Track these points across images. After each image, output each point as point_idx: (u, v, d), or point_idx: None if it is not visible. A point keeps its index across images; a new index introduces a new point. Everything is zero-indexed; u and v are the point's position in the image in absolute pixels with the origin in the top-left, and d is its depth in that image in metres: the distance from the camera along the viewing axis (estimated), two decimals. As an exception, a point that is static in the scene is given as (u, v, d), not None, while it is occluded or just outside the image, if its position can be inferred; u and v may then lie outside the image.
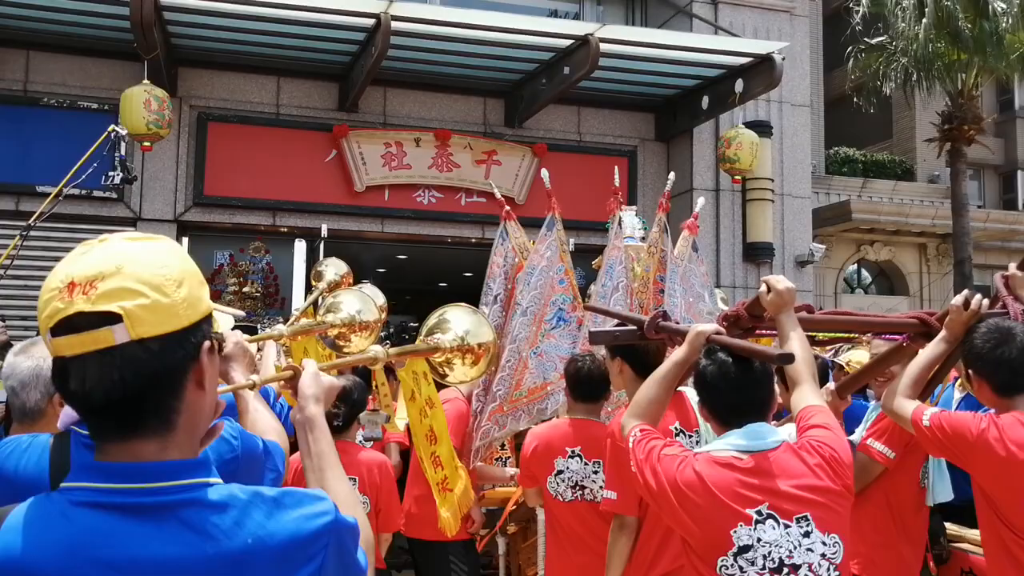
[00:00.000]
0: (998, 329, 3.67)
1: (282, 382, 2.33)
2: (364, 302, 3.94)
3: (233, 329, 3.17)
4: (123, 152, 7.50)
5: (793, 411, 3.35)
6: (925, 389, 4.02)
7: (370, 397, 4.44)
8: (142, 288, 1.53)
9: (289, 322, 4.09)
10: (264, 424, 2.80)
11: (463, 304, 2.80)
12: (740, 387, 3.21)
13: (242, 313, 2.76)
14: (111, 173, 7.62)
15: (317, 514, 1.62)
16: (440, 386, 4.59)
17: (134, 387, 1.53)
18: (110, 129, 6.09)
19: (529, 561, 6.12)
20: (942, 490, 4.53)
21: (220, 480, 1.61)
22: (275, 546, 1.55)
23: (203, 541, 1.52)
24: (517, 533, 6.46)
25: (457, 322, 2.70)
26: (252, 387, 2.33)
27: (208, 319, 1.67)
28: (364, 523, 1.95)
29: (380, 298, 5.45)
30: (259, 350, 5.12)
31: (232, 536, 1.53)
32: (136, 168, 10.25)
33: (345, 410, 4.96)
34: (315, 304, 4.94)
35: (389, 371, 5.94)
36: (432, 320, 2.71)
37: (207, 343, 1.64)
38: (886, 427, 4.41)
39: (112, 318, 1.51)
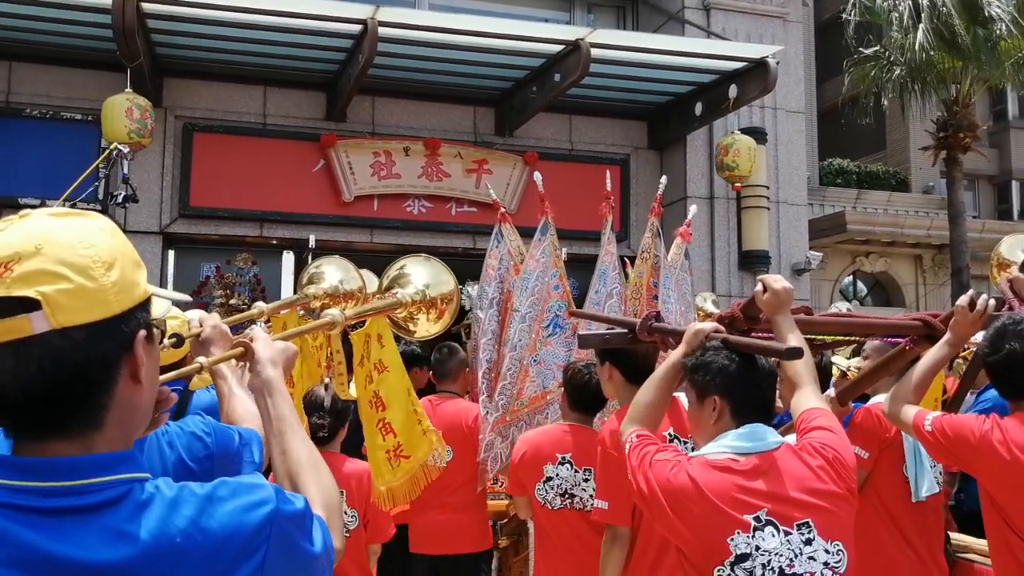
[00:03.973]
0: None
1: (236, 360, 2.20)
2: (346, 271, 3.80)
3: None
4: (126, 171, 7.42)
5: (794, 414, 3.22)
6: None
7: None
8: (64, 271, 1.38)
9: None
10: (243, 411, 2.63)
11: (421, 255, 2.65)
12: (752, 385, 3.11)
13: (187, 297, 2.63)
14: (115, 193, 7.54)
15: (255, 503, 1.46)
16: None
17: (56, 381, 1.37)
18: (112, 147, 5.99)
19: (520, 576, 6.00)
20: (925, 482, 4.42)
21: (148, 475, 1.45)
22: (209, 543, 1.39)
23: (125, 544, 1.35)
24: (508, 547, 6.35)
25: (417, 275, 2.55)
26: (200, 370, 2.17)
27: (145, 305, 1.50)
28: (326, 486, 1.81)
29: (374, 282, 5.31)
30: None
31: (159, 536, 1.37)
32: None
33: (330, 421, 4.82)
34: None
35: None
36: (392, 273, 2.56)
37: (142, 332, 1.47)
38: (857, 426, 4.39)
39: (30, 304, 1.35)
